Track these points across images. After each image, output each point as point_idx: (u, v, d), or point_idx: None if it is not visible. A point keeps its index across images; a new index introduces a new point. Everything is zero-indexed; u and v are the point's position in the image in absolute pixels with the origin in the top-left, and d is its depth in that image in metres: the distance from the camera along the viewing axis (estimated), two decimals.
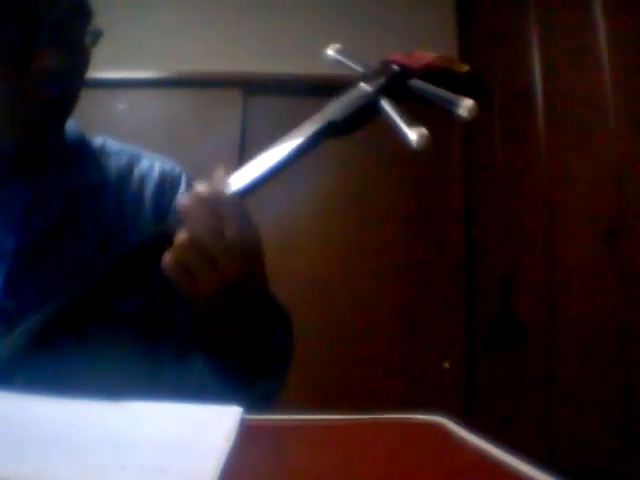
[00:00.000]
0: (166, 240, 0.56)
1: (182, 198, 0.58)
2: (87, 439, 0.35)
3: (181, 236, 0.55)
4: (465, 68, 0.63)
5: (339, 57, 0.68)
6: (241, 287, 0.57)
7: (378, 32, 2.47)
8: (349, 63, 0.66)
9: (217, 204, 0.56)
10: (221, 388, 0.61)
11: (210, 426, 0.39)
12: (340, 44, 0.69)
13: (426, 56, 0.63)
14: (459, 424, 0.43)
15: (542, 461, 0.35)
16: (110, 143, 0.78)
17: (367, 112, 0.60)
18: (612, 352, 1.72)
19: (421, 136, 0.54)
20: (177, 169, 0.79)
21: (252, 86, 2.75)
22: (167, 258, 0.56)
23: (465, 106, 0.55)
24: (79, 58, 0.66)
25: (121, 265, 0.59)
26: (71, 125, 0.74)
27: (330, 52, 0.68)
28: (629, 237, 1.70)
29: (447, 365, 2.61)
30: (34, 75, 0.61)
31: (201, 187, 0.57)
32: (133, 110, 2.72)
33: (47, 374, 0.54)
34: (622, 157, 1.75)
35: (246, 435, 0.37)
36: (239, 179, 0.58)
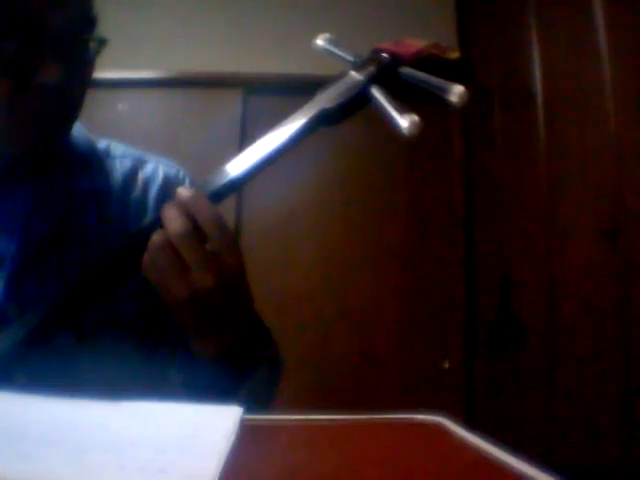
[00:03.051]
0: (147, 240, 0.55)
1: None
2: (87, 439, 0.35)
3: (155, 236, 0.55)
4: (455, 55, 0.63)
5: (329, 47, 0.67)
6: (216, 303, 0.55)
7: (378, 33, 2.45)
8: (339, 52, 0.65)
9: (194, 207, 0.54)
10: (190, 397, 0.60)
11: (210, 426, 0.39)
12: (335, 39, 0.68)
13: (416, 44, 0.62)
14: (459, 424, 0.43)
15: (542, 461, 0.35)
16: (115, 146, 0.78)
17: (358, 100, 0.59)
18: (612, 352, 1.72)
19: (412, 123, 0.54)
20: (181, 173, 0.79)
21: (252, 86, 2.75)
22: (144, 257, 0.55)
23: (456, 92, 0.55)
24: (83, 69, 0.64)
25: (105, 261, 0.59)
26: (78, 128, 0.73)
27: (319, 42, 0.68)
28: (629, 237, 1.70)
29: (447, 365, 2.61)
30: (36, 90, 0.58)
31: (183, 190, 0.56)
32: (133, 110, 2.72)
33: (48, 375, 0.55)
34: (622, 157, 1.75)
35: (246, 435, 0.37)
36: (231, 169, 0.57)
